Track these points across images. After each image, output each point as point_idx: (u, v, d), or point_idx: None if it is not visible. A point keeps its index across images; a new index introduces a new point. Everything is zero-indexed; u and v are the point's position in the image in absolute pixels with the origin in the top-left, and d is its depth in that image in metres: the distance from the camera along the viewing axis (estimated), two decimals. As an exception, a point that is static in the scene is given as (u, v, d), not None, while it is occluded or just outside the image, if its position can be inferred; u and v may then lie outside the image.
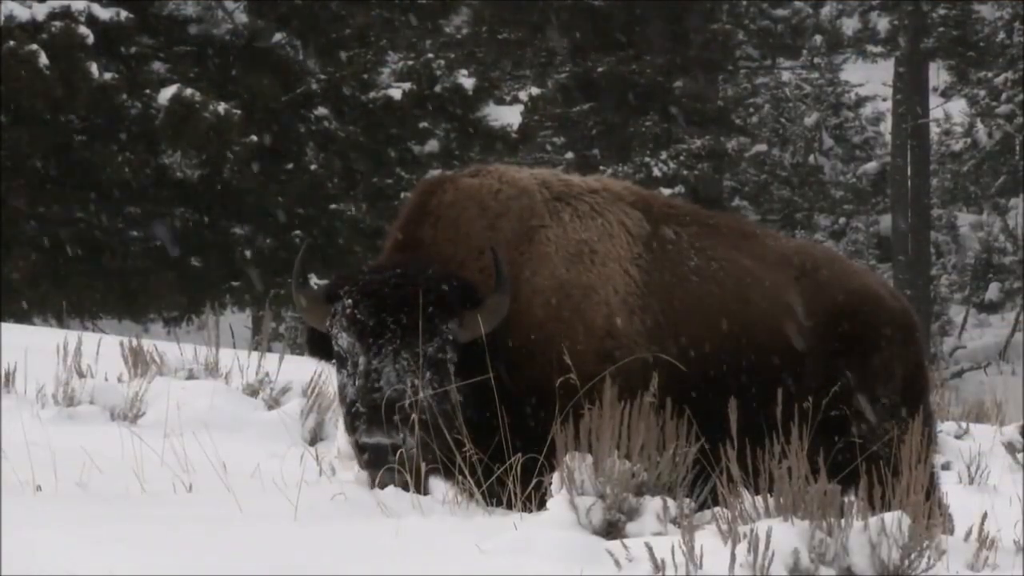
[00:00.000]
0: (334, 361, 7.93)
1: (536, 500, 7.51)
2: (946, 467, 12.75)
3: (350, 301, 7.75)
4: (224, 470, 7.95)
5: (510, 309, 7.80)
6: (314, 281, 28.19)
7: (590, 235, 8.22)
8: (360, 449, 7.67)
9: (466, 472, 7.54)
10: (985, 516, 6.85)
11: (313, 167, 28.33)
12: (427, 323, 7.66)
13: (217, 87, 27.37)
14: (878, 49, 43.36)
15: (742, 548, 6.26)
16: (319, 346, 8.02)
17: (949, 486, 10.51)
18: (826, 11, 43.77)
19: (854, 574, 6.36)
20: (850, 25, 43.88)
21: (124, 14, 26.28)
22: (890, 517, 6.39)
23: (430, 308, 7.67)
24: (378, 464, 7.58)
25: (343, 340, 7.77)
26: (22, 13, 25.58)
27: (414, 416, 7.53)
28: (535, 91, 30.97)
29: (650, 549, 6.28)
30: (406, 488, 7.57)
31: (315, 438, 10.86)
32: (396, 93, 28.21)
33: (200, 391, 11.03)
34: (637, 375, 7.83)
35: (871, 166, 45.72)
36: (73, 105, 25.89)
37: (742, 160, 42.32)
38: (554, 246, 8.13)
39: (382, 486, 7.58)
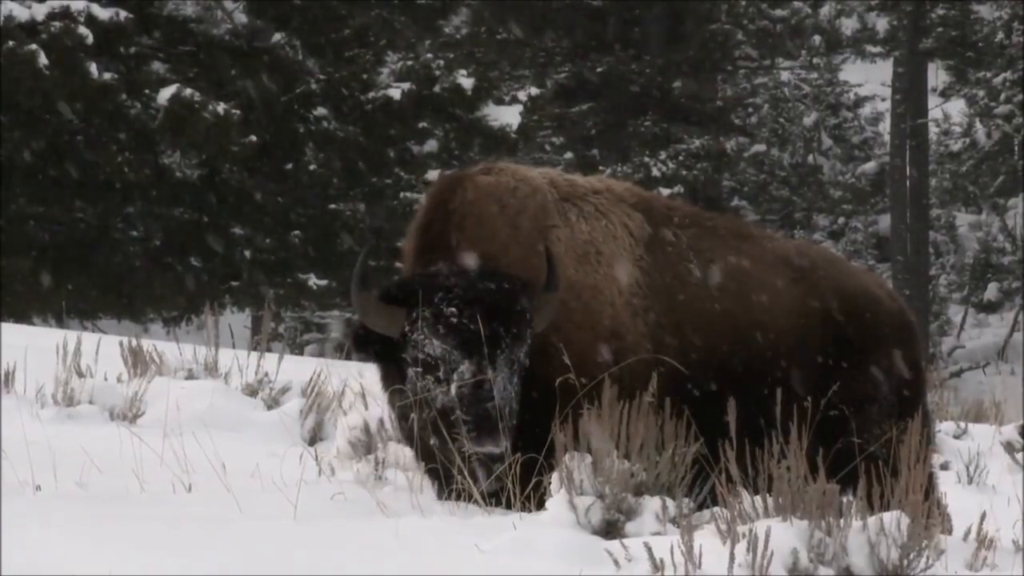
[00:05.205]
0: (398, 363, 7.80)
1: (535, 500, 7.52)
2: (945, 467, 12.76)
3: (453, 309, 7.66)
4: (224, 470, 7.95)
5: None
6: (313, 281, 28.19)
7: (595, 236, 8.23)
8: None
9: (465, 472, 7.54)
10: (984, 516, 6.86)
11: (313, 167, 28.32)
12: (522, 328, 7.69)
13: (217, 87, 27.37)
14: (877, 49, 43.34)
15: (741, 548, 6.27)
16: (370, 346, 7.86)
17: (948, 486, 10.53)
18: (825, 11, 43.74)
19: (853, 574, 6.37)
20: (849, 25, 43.86)
21: (123, 14, 26.26)
22: (889, 517, 6.40)
23: (528, 315, 7.70)
24: (489, 474, 7.55)
25: (434, 347, 7.69)
26: (21, 13, 25.57)
27: (511, 423, 7.55)
28: (534, 91, 30.96)
29: (649, 549, 6.28)
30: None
31: (314, 438, 10.87)
32: (395, 93, 28.21)
33: (200, 391, 11.03)
34: (639, 376, 7.85)
35: (870, 166, 45.71)
36: (73, 105, 25.89)
37: (741, 160, 42.33)
38: (564, 246, 8.13)
39: (493, 495, 7.55)
